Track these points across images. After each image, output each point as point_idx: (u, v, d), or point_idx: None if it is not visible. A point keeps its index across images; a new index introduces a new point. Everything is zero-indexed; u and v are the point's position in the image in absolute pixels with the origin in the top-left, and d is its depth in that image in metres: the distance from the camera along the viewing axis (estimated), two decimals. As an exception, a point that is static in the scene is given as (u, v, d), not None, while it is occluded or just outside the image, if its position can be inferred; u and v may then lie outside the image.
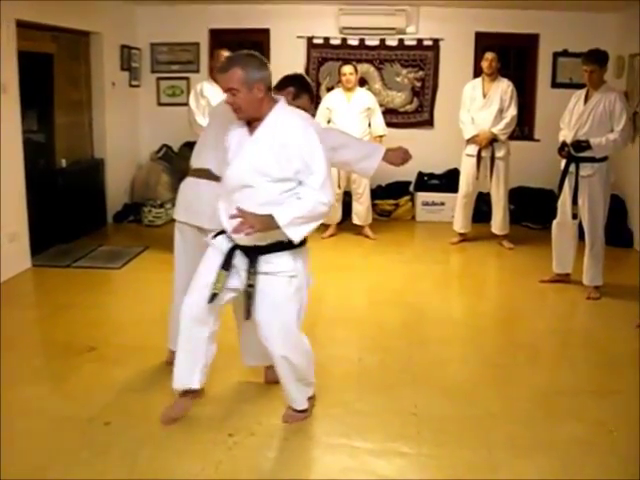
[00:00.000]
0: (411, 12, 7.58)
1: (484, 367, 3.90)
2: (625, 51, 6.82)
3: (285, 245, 2.85)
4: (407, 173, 7.75)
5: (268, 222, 2.74)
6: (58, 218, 6.28)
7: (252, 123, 2.88)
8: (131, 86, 7.76)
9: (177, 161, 7.74)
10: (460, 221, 6.73)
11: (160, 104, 8.06)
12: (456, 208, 6.77)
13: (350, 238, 6.85)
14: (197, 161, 3.50)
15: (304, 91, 3.35)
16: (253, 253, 2.91)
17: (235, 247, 2.94)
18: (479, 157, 6.42)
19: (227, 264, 2.93)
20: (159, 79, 8.03)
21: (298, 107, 3.32)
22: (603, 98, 4.91)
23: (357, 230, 6.94)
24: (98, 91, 7.09)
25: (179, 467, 2.80)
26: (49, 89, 6.30)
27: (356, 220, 6.89)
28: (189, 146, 7.60)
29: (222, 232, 3.00)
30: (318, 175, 2.77)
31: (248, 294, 2.93)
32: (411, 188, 7.88)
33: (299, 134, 2.79)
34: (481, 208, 6.92)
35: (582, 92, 5.10)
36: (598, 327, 4.65)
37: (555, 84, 7.66)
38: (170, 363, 3.70)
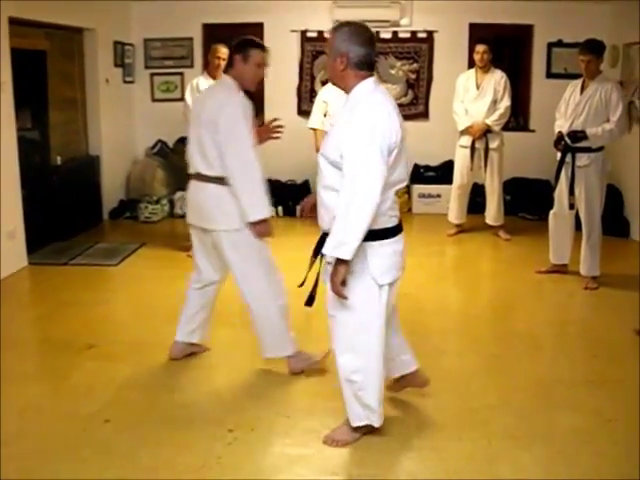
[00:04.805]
0: (405, 4, 7.58)
1: (482, 358, 3.90)
2: (620, 40, 6.82)
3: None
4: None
5: (334, 272, 2.65)
6: (54, 216, 6.26)
7: None
8: (125, 82, 7.73)
9: (172, 157, 7.74)
10: (454, 212, 6.73)
11: (154, 100, 8.04)
12: (451, 199, 6.77)
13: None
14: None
15: (248, 48, 3.36)
16: None
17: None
18: (473, 148, 6.42)
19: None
20: (153, 75, 8.01)
21: (258, 65, 3.37)
22: (599, 88, 4.91)
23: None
24: (92, 88, 7.07)
25: (180, 463, 2.80)
26: (43, 86, 6.27)
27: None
28: (184, 141, 7.54)
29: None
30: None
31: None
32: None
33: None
34: (476, 199, 6.91)
35: (578, 82, 5.10)
36: (595, 317, 4.66)
37: (550, 74, 7.66)
38: (173, 358, 3.74)
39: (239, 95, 3.38)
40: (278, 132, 3.75)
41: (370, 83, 2.71)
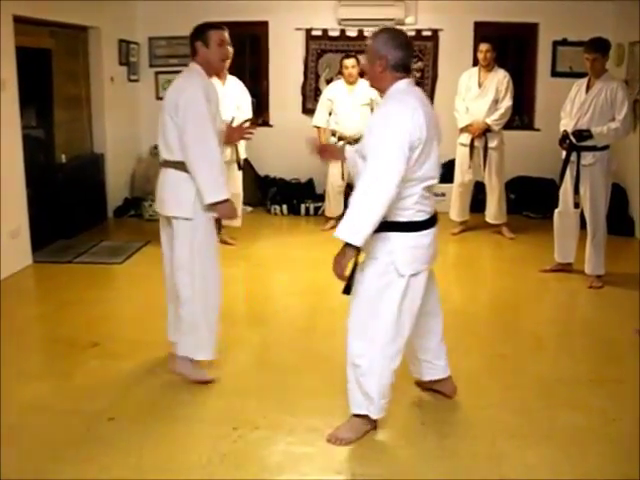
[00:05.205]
0: (410, 3, 7.56)
1: (485, 356, 3.90)
2: (625, 39, 6.79)
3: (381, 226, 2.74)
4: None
5: (340, 253, 2.72)
6: (58, 214, 6.27)
7: None
8: (130, 81, 7.74)
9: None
10: (456, 210, 6.71)
11: (159, 98, 8.00)
12: (452, 197, 6.76)
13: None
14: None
15: (205, 31, 3.38)
16: None
17: None
18: (472, 146, 6.41)
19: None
20: (157, 73, 8.01)
21: (220, 44, 3.39)
22: (605, 87, 4.90)
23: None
24: (97, 86, 7.07)
25: (184, 461, 2.80)
26: (48, 84, 6.28)
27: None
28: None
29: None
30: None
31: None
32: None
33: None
34: (479, 197, 6.85)
35: (583, 81, 5.09)
36: (600, 316, 4.65)
37: (555, 73, 7.63)
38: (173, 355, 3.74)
39: (202, 78, 3.39)
40: (250, 133, 3.77)
41: (403, 83, 2.84)
